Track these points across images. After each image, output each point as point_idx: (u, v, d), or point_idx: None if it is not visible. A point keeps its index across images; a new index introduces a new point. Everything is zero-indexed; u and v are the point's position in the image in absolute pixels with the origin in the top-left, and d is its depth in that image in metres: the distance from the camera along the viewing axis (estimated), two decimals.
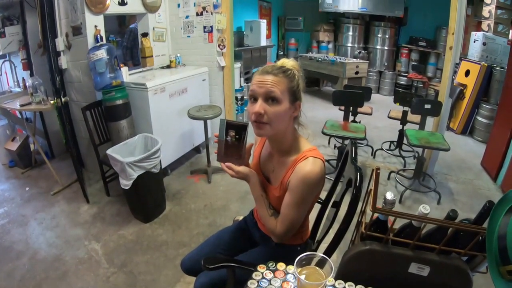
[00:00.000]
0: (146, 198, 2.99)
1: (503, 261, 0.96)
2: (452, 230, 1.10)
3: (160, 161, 3.04)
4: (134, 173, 2.75)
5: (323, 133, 3.53)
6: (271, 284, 1.11)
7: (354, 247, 1.18)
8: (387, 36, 8.16)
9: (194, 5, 4.14)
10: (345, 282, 1.11)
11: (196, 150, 4.44)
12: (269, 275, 1.15)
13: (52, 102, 3.32)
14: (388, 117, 4.42)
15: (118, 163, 2.75)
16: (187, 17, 4.23)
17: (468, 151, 4.84)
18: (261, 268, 1.18)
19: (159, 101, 3.49)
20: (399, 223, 1.19)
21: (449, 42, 3.53)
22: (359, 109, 4.22)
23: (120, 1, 3.60)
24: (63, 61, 3.55)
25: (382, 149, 4.65)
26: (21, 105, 3.54)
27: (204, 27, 4.18)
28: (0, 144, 4.39)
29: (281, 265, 1.19)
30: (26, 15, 4.14)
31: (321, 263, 1.02)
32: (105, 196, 3.51)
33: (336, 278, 1.13)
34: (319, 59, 7.49)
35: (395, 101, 4.44)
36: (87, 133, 3.37)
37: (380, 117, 5.35)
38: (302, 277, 0.97)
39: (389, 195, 1.12)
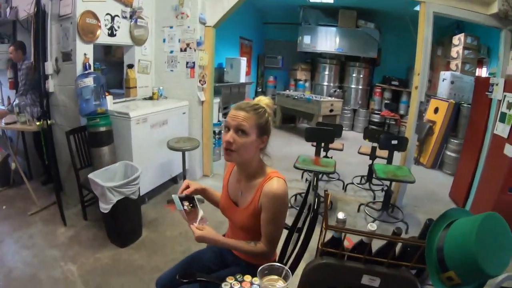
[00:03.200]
0: (123, 223, 3.06)
1: (442, 269, 1.09)
2: (398, 245, 1.25)
3: (139, 188, 3.14)
4: (113, 198, 2.84)
5: (295, 167, 3.70)
6: None
7: (312, 261, 1.31)
8: (361, 76, 8.62)
9: (179, 41, 4.35)
10: None
11: (173, 180, 4.52)
12: (236, 285, 1.29)
13: (38, 123, 3.39)
14: (358, 152, 4.64)
15: (99, 187, 2.84)
16: (171, 51, 4.43)
17: (437, 184, 5.09)
18: (230, 279, 1.32)
19: (140, 131, 3.62)
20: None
21: (415, 82, 3.83)
22: (330, 145, 4.45)
23: (109, 33, 3.79)
24: (51, 85, 3.65)
25: (353, 183, 4.84)
26: (6, 123, 3.61)
27: (187, 63, 4.36)
28: None
29: (247, 277, 1.33)
30: (17, 35, 4.26)
31: (284, 275, 1.18)
32: (82, 220, 3.54)
33: None
34: (296, 97, 7.80)
35: (364, 138, 4.69)
36: (68, 157, 3.44)
37: (353, 153, 5.55)
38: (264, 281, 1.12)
39: (340, 215, 1.29)
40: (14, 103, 3.85)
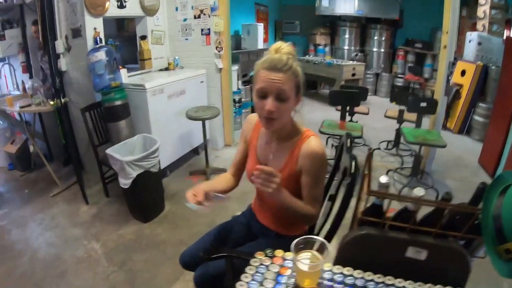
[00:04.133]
0: (145, 197, 3.01)
1: (499, 240, 0.97)
2: (450, 212, 1.12)
3: (159, 161, 3.06)
4: (133, 172, 2.78)
5: (320, 132, 3.56)
6: (269, 270, 1.12)
7: (351, 233, 1.19)
8: (383, 39, 8.24)
9: (192, 8, 4.18)
10: (344, 267, 1.13)
11: (195, 151, 4.45)
12: (267, 261, 1.16)
13: (52, 103, 3.33)
14: (385, 116, 4.45)
15: (117, 162, 2.78)
16: (185, 20, 4.27)
17: (465, 150, 4.86)
18: (259, 255, 1.19)
19: (157, 102, 3.52)
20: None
21: (444, 41, 3.57)
22: (355, 109, 4.25)
23: (119, 4, 3.65)
24: (63, 63, 3.58)
25: (379, 148, 4.67)
26: (21, 107, 3.56)
27: (202, 30, 4.21)
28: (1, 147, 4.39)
29: (279, 252, 1.20)
30: (26, 19, 4.16)
31: (321, 249, 1.05)
32: (104, 197, 3.52)
33: (334, 264, 1.15)
34: (316, 62, 7.55)
35: (391, 100, 4.49)
36: (86, 135, 3.39)
37: (378, 118, 5.37)
38: (301, 261, 1.00)
39: (383, 179, 1.14)
40: (27, 86, 3.80)
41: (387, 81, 8.17)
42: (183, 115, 3.69)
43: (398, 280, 1.10)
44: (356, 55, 8.25)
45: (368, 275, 1.11)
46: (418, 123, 3.86)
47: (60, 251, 2.76)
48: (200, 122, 3.70)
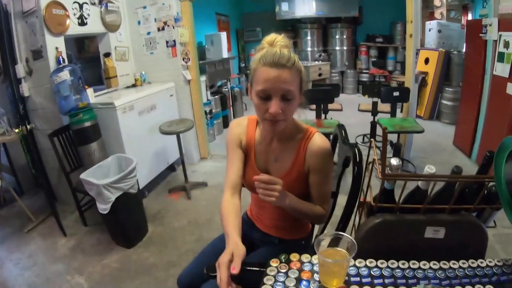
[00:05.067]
0: (126, 221, 2.86)
1: None
2: (461, 185, 1.09)
3: (137, 181, 2.93)
4: (111, 196, 2.63)
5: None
6: (289, 277, 1.03)
7: (368, 222, 1.15)
8: (345, 37, 8.45)
9: (155, 21, 4.10)
10: (365, 260, 1.08)
11: (171, 168, 4.34)
12: (284, 268, 1.07)
13: (17, 130, 3.15)
14: (359, 110, 4.51)
15: (93, 187, 2.62)
16: (148, 33, 4.19)
17: (439, 134, 5.01)
18: (274, 262, 1.09)
19: (128, 120, 3.41)
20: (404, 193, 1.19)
21: (409, 30, 3.67)
22: (329, 106, 4.27)
23: (80, 21, 3.52)
24: (25, 88, 3.39)
25: (356, 143, 4.70)
26: None
27: (167, 42, 4.13)
28: None
29: (294, 256, 1.12)
30: None
31: (343, 245, 0.99)
32: (82, 227, 3.33)
33: (354, 258, 1.07)
34: None
35: (363, 93, 4.55)
36: (56, 162, 3.21)
37: (350, 114, 5.45)
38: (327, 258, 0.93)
39: (394, 161, 1.11)
40: None
41: (352, 77, 8.36)
42: (156, 131, 3.59)
43: (422, 262, 1.06)
44: (320, 55, 8.40)
45: (392, 263, 1.06)
46: (392, 113, 3.91)
47: None
48: (175, 136, 3.59)
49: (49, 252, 3.03)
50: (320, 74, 7.09)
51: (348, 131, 4.13)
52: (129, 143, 3.39)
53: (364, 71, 8.21)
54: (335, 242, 0.99)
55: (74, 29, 3.45)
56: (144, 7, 4.11)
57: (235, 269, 0.96)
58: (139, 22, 4.19)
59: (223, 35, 6.54)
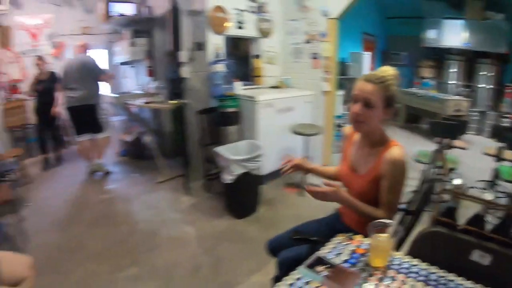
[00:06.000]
0: (243, 195, 3.32)
1: None
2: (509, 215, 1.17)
3: (261, 165, 3.35)
4: (237, 170, 3.10)
5: (416, 160, 3.57)
6: (345, 247, 1.31)
7: (425, 229, 1.32)
8: (491, 74, 7.74)
9: (303, 34, 4.49)
10: (410, 258, 1.26)
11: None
12: (346, 241, 1.35)
13: (173, 102, 3.88)
14: (483, 153, 4.24)
15: (224, 160, 3.14)
16: (296, 43, 4.60)
17: None
18: (341, 236, 1.39)
19: (266, 114, 3.84)
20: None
21: None
22: (454, 143, 4.13)
23: (238, 26, 4.15)
24: (185, 71, 4.09)
25: (474, 187, 4.43)
26: (145, 103, 4.19)
27: (311, 54, 4.47)
28: (116, 135, 5.21)
29: (358, 237, 1.39)
30: (153, 30, 4.97)
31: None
32: (204, 192, 3.92)
33: (406, 255, 1.28)
34: (420, 95, 7.38)
35: (492, 137, 4.26)
36: (197, 135, 3.85)
37: (478, 157, 5.10)
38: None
39: (457, 181, 1.26)
40: (152, 86, 4.47)
41: (492, 120, 7.62)
42: (287, 130, 3.97)
43: (460, 278, 1.15)
44: (462, 90, 7.88)
45: (432, 268, 1.20)
46: None
47: (157, 228, 3.19)
48: (302, 139, 3.92)
49: (171, 203, 3.71)
50: (457, 110, 6.69)
51: (471, 175, 4.00)
52: (262, 134, 3.83)
53: (507, 115, 7.44)
54: (384, 229, 1.21)
55: (232, 31, 4.10)
56: (295, 20, 4.55)
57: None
58: (289, 33, 4.65)
59: (367, 55, 6.72)
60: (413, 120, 8.14)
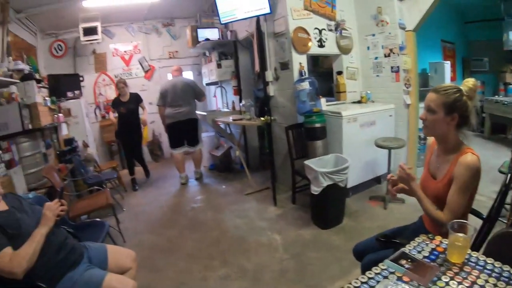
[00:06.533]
0: (329, 207, 3.48)
1: None
2: None
3: (347, 178, 3.51)
4: (324, 182, 3.30)
5: (499, 171, 3.47)
6: (427, 245, 1.46)
7: (498, 231, 1.43)
8: None
9: (382, 48, 4.58)
10: (486, 257, 1.36)
11: (377, 180, 4.63)
12: (427, 240, 1.50)
13: (262, 119, 4.19)
14: None
15: (313, 172, 3.36)
16: (376, 58, 4.70)
17: None
18: (423, 236, 1.54)
19: (350, 129, 3.99)
20: None
21: None
22: None
23: (319, 44, 4.39)
24: (271, 89, 4.43)
25: None
26: (234, 119, 4.59)
27: (392, 67, 4.53)
28: (206, 150, 5.71)
29: (439, 237, 1.52)
30: (238, 52, 5.40)
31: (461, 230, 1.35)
32: (291, 204, 4.15)
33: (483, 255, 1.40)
34: (506, 103, 6.99)
35: None
36: (284, 149, 4.13)
37: None
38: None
39: None
40: (240, 104, 4.84)
41: None
42: (371, 144, 4.06)
43: None
44: None
45: (505, 267, 1.29)
46: None
47: (246, 234, 3.49)
48: (385, 153, 3.99)
49: (259, 213, 4.00)
50: None
51: None
52: (347, 147, 3.98)
53: None
54: (462, 229, 1.34)
55: (314, 49, 4.34)
56: (373, 35, 4.65)
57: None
58: (368, 48, 4.76)
59: (447, 64, 6.57)
60: (499, 130, 7.65)
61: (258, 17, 4.07)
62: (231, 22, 4.48)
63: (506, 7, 7.39)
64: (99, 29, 5.76)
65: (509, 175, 1.69)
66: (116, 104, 5.24)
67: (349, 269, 2.69)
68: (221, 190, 4.83)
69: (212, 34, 5.77)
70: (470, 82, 1.65)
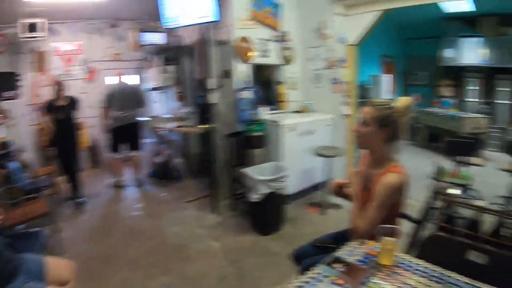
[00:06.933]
0: (268, 214, 3.52)
1: None
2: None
3: (285, 185, 3.58)
4: (263, 190, 3.34)
5: (432, 177, 3.68)
6: (359, 249, 1.53)
7: (428, 234, 1.54)
8: (511, 90, 7.76)
9: (323, 60, 4.73)
10: (415, 258, 1.46)
11: (315, 187, 4.68)
12: (360, 245, 1.57)
13: (202, 126, 4.19)
14: (499, 169, 4.32)
15: (251, 180, 3.39)
16: (316, 69, 4.84)
17: None
18: (356, 242, 1.61)
19: (290, 138, 4.06)
20: None
21: None
22: (471, 160, 4.24)
23: (262, 54, 4.45)
24: (213, 97, 4.34)
25: (494, 203, 4.49)
26: (175, 127, 4.53)
27: (332, 79, 4.68)
28: (146, 157, 5.56)
29: (371, 242, 1.58)
30: (182, 58, 5.34)
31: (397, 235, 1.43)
32: (230, 211, 4.15)
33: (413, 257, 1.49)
34: (439, 114, 7.48)
35: (507, 152, 4.32)
36: (223, 157, 4.12)
37: (497, 174, 5.15)
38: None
39: (452, 190, 1.47)
40: (182, 110, 4.79)
41: None
42: (309, 152, 4.16)
43: (459, 276, 1.32)
44: (482, 107, 7.91)
45: (435, 267, 1.38)
46: None
47: (186, 242, 3.46)
48: (324, 160, 4.09)
49: (199, 220, 3.97)
50: (476, 128, 6.74)
51: (487, 189, 4.09)
52: (286, 156, 4.05)
53: None
54: (391, 233, 1.42)
55: (257, 59, 4.39)
56: (315, 47, 4.80)
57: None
58: (309, 59, 4.90)
59: (386, 77, 6.98)
60: (434, 139, 8.18)
61: (202, 24, 4.06)
62: (175, 28, 4.44)
63: (443, 26, 7.94)
64: (44, 26, 5.38)
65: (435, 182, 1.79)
66: (51, 108, 4.67)
67: (288, 274, 2.65)
68: (161, 198, 4.73)
69: (158, 38, 5.64)
70: (403, 100, 1.75)
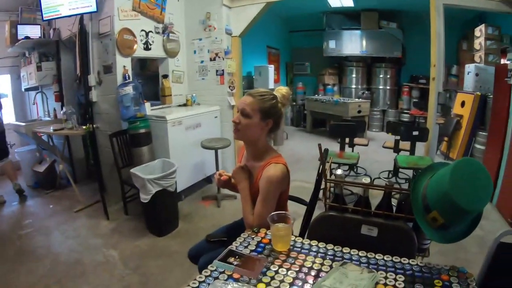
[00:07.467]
0: (161, 213, 3.39)
1: (426, 211, 1.25)
2: (387, 194, 1.47)
3: (176, 182, 3.48)
4: (153, 189, 3.19)
5: (319, 160, 3.88)
6: (253, 240, 1.50)
7: (319, 214, 1.57)
8: (388, 76, 8.69)
9: (208, 52, 4.73)
10: (310, 240, 1.49)
11: (208, 180, 4.78)
12: (253, 234, 1.55)
13: (84, 127, 3.87)
14: (383, 146, 4.76)
15: (140, 180, 3.21)
16: (202, 62, 4.81)
17: None
18: (249, 231, 1.59)
19: (176, 132, 3.97)
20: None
21: (432, 73, 4.00)
22: (356, 141, 4.59)
23: (145, 47, 4.24)
24: (94, 95, 4.10)
25: (379, 178, 4.94)
26: (55, 130, 4.10)
27: (217, 71, 4.71)
28: (27, 166, 4.94)
29: (263, 230, 1.58)
30: (61, 53, 4.80)
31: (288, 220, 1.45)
32: (123, 215, 3.91)
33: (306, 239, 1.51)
34: (324, 101, 8.03)
35: (387, 131, 4.80)
36: (110, 158, 3.86)
37: (381, 151, 5.63)
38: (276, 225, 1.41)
39: (339, 171, 1.52)
40: (62, 111, 4.31)
41: (393, 117, 8.49)
42: (198, 145, 4.11)
43: (353, 250, 1.40)
44: (363, 93, 8.67)
45: (329, 246, 1.44)
46: (411, 151, 4.17)
47: (81, 256, 3.15)
48: (213, 153, 4.10)
49: (91, 229, 3.65)
50: (359, 111, 7.34)
51: (375, 167, 4.47)
52: (174, 151, 3.94)
53: (405, 111, 8.32)
54: (282, 219, 1.43)
55: (140, 52, 4.17)
56: (200, 39, 4.77)
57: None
58: (194, 52, 4.85)
59: (271, 67, 7.14)
60: (319, 124, 8.77)
61: (82, 15, 3.74)
62: (55, 18, 4.07)
63: (327, 20, 8.55)
64: None
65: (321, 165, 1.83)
66: None
67: (192, 271, 2.54)
68: (48, 210, 4.21)
69: (33, 31, 5.00)
70: (283, 90, 1.72)
